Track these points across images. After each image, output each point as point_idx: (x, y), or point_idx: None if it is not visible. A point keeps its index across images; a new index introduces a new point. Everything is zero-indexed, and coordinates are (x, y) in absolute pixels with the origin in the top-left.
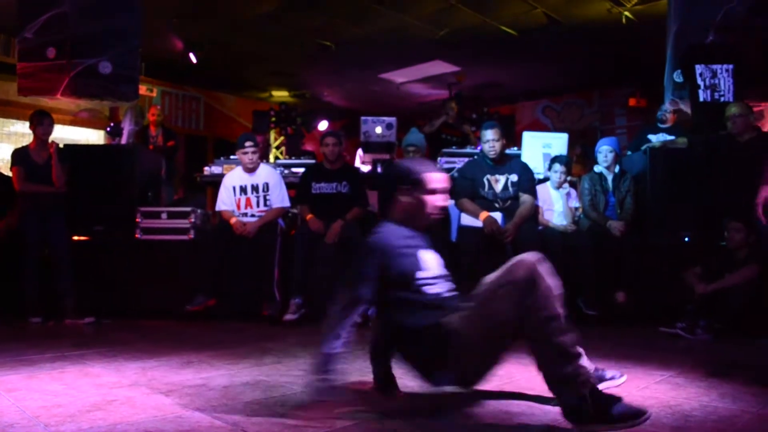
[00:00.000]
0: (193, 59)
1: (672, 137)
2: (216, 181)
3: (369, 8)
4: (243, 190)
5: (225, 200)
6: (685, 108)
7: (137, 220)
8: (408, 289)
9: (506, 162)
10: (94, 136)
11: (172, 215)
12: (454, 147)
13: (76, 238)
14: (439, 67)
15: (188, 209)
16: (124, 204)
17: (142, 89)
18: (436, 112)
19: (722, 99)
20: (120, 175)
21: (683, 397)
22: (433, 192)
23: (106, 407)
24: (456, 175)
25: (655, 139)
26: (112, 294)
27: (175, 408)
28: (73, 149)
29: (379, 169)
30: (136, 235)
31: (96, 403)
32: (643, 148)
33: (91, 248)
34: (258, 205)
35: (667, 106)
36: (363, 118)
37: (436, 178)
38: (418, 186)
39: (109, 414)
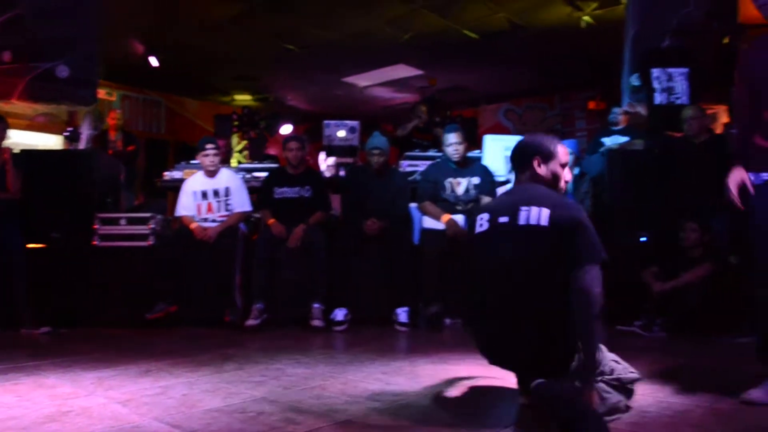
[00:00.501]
0: (154, 63)
1: (625, 138)
2: (177, 186)
3: (333, 12)
4: (204, 194)
5: (185, 205)
6: (642, 111)
7: (95, 226)
8: None
9: (468, 165)
10: (52, 141)
11: (131, 221)
12: (417, 150)
13: (31, 245)
14: (402, 71)
15: (148, 215)
16: (82, 210)
17: (101, 93)
18: (407, 116)
19: (678, 102)
20: (78, 180)
21: (639, 393)
22: (564, 166)
23: (62, 419)
24: (418, 177)
25: (609, 141)
26: (69, 302)
27: (132, 418)
28: (29, 154)
29: (341, 173)
30: (94, 242)
31: (51, 414)
32: (602, 150)
33: (47, 255)
34: (219, 210)
35: (619, 108)
36: (326, 121)
37: (566, 152)
38: (554, 158)
39: (65, 425)
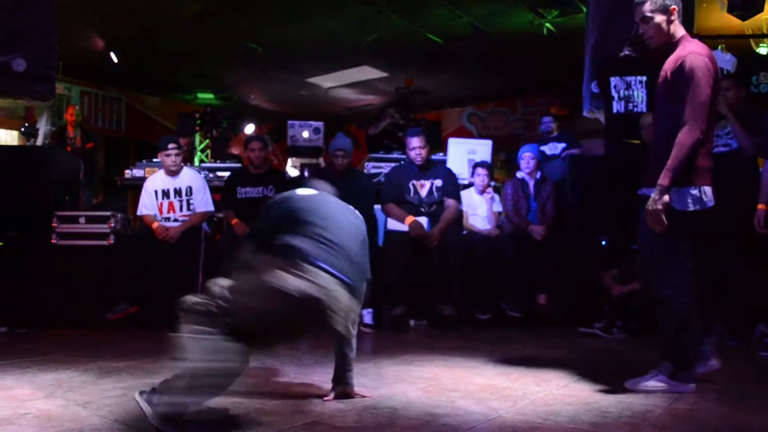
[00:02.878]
0: (114, 59)
1: (562, 144)
2: (137, 184)
3: (296, 12)
4: (165, 194)
5: (147, 204)
6: (601, 118)
7: (53, 224)
8: None
9: (431, 167)
10: (8, 137)
11: (90, 220)
12: (381, 152)
13: None
14: (366, 73)
15: (108, 213)
16: (40, 208)
17: (59, 88)
18: (378, 116)
19: (636, 110)
20: (35, 177)
21: (600, 394)
22: None
23: (19, 421)
24: (382, 180)
25: (548, 149)
26: (26, 302)
27: (92, 420)
28: None
29: (306, 174)
30: (53, 241)
31: (8, 416)
32: (563, 155)
33: (3, 254)
34: (181, 210)
35: (548, 117)
36: (290, 122)
37: None
38: None
39: (23, 428)
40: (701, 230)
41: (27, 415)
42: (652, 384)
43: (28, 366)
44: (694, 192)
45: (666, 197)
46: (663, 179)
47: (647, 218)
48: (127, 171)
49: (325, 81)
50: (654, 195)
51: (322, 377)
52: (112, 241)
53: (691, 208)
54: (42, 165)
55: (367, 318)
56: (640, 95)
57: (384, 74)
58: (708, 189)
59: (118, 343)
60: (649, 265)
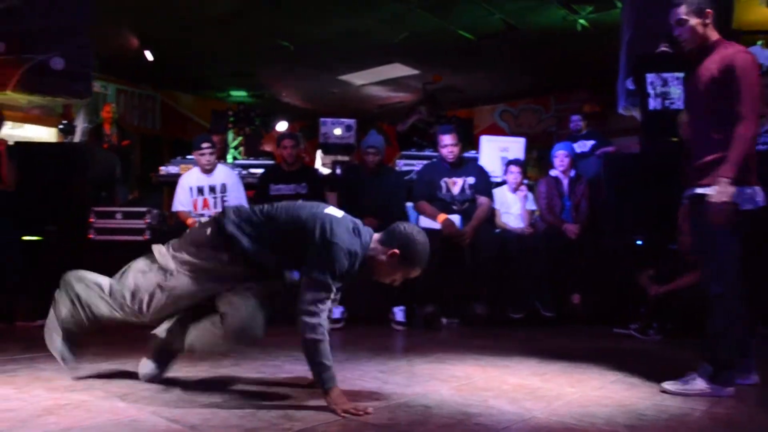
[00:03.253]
0: (149, 57)
1: (592, 142)
2: (172, 181)
3: (328, 10)
4: (200, 190)
5: (182, 201)
6: (637, 115)
7: (91, 220)
8: None
9: (464, 165)
10: (47, 134)
11: (127, 215)
12: (413, 149)
13: (27, 237)
14: (398, 70)
15: (144, 209)
16: (78, 203)
17: (96, 86)
18: (407, 113)
19: (672, 107)
20: (73, 173)
21: (637, 396)
22: None
23: (59, 411)
24: (414, 177)
25: (577, 147)
26: None
27: (130, 411)
28: (24, 147)
29: (338, 171)
30: (90, 236)
31: (48, 407)
32: (598, 153)
33: (43, 248)
34: (215, 206)
35: (577, 116)
36: (322, 119)
37: None
38: None
39: (63, 418)
40: (749, 230)
41: (67, 405)
42: (690, 386)
43: None
44: (749, 191)
45: (731, 188)
46: (726, 171)
47: (710, 212)
48: (161, 168)
49: (357, 78)
50: (719, 188)
51: (353, 374)
52: (147, 237)
53: (749, 206)
54: (79, 162)
55: (399, 316)
56: (677, 92)
57: (415, 71)
58: (759, 188)
59: None
60: (704, 261)
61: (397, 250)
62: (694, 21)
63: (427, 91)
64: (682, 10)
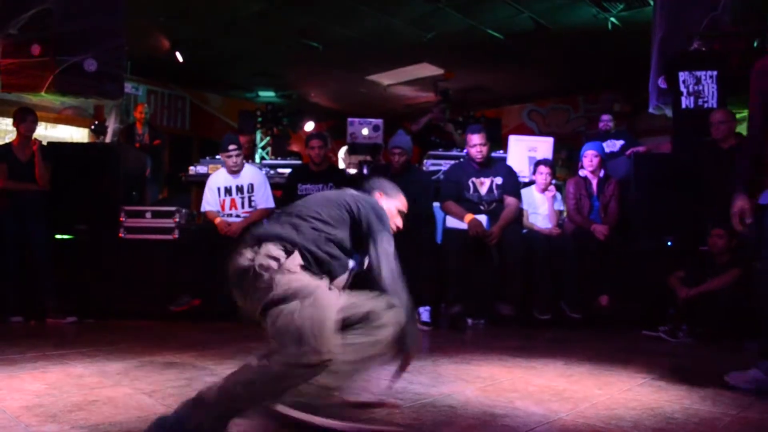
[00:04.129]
0: (180, 58)
1: (621, 142)
2: (201, 180)
3: (356, 9)
4: (228, 191)
5: (210, 201)
6: (669, 114)
7: (121, 219)
8: None
9: (491, 165)
10: (79, 134)
11: (156, 215)
12: (440, 149)
13: (58, 236)
14: (426, 70)
15: (173, 209)
16: (108, 203)
17: (127, 87)
18: (423, 113)
19: (706, 106)
20: (104, 173)
21: (665, 399)
22: (399, 212)
23: (88, 407)
24: (441, 177)
25: (606, 147)
26: (95, 293)
27: (158, 408)
28: (56, 147)
29: (365, 171)
30: (120, 235)
31: (78, 403)
32: (628, 152)
33: (74, 247)
34: (243, 206)
35: (606, 116)
36: (350, 119)
37: (404, 203)
38: (393, 200)
39: (92, 414)
40: None
41: (96, 402)
42: (752, 376)
43: (95, 355)
44: None
45: None
46: None
47: None
48: (191, 167)
49: (385, 78)
50: None
51: (378, 373)
52: (176, 236)
53: None
54: (111, 161)
55: (425, 316)
56: (710, 90)
57: (443, 71)
58: None
59: (181, 334)
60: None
61: (379, 192)
62: None
63: (438, 88)
64: None
